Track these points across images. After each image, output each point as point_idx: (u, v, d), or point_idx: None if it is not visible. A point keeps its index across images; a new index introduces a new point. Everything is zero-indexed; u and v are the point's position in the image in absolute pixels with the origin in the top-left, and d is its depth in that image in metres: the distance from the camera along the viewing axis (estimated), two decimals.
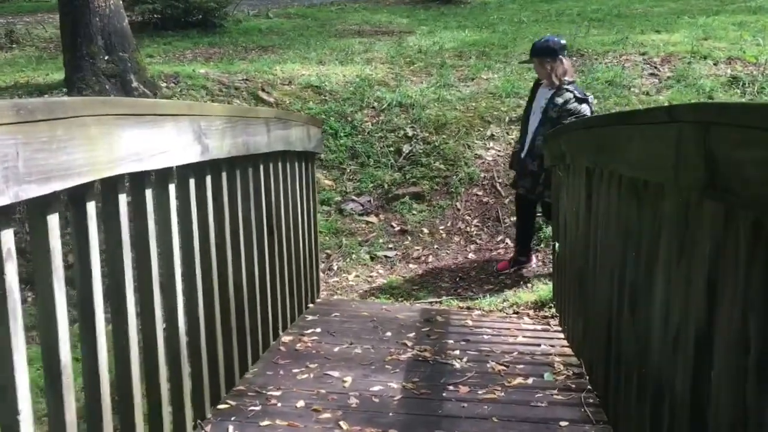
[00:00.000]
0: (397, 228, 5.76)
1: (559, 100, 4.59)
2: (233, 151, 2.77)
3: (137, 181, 2.09)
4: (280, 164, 3.61)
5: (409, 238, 5.63)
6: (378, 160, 6.39)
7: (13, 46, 9.92)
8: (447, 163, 6.24)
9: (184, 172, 2.43)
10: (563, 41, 4.79)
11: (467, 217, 5.81)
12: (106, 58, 6.28)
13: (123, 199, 1.95)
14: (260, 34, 11.10)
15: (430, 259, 5.43)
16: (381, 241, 5.59)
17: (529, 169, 4.72)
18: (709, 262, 1.62)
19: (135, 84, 6.39)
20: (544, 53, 4.69)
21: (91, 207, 1.77)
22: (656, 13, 11.07)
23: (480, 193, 6.00)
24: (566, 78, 4.64)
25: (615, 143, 2.53)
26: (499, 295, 4.70)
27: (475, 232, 5.68)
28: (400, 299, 4.82)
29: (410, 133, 6.62)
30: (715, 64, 7.38)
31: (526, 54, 8.91)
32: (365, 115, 6.88)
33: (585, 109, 4.59)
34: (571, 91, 4.60)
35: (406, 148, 6.47)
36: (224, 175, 2.80)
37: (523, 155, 4.80)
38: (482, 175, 6.12)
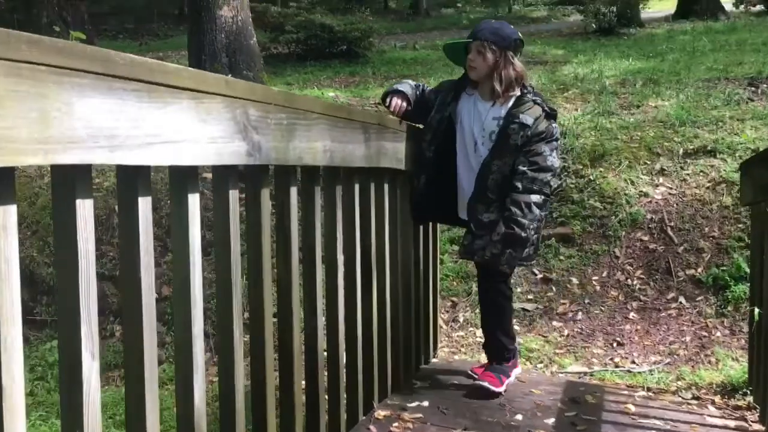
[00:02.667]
0: (540, 276, 4.79)
1: (527, 119, 2.87)
2: (307, 158, 2.02)
3: (126, 179, 1.38)
4: (386, 185, 2.84)
5: (554, 289, 4.64)
6: None
7: None
8: (604, 200, 5.20)
9: (222, 177, 1.71)
10: (521, 36, 2.99)
11: (628, 267, 4.74)
12: (229, 76, 5.87)
13: (88, 204, 1.24)
14: (404, 64, 10.64)
15: (579, 316, 4.41)
16: (519, 290, 4.64)
17: (484, 221, 2.95)
18: None
19: None
20: (494, 38, 2.90)
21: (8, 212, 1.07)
22: None
23: (645, 238, 4.90)
24: (527, 85, 2.99)
25: None
26: (672, 370, 3.62)
27: (638, 286, 4.59)
28: (539, 366, 3.85)
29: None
30: None
31: (703, 82, 7.68)
32: None
33: (556, 130, 2.98)
34: (539, 104, 2.93)
35: (554, 182, 5.49)
36: (293, 190, 2.05)
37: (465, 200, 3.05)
38: (648, 216, 5.02)
